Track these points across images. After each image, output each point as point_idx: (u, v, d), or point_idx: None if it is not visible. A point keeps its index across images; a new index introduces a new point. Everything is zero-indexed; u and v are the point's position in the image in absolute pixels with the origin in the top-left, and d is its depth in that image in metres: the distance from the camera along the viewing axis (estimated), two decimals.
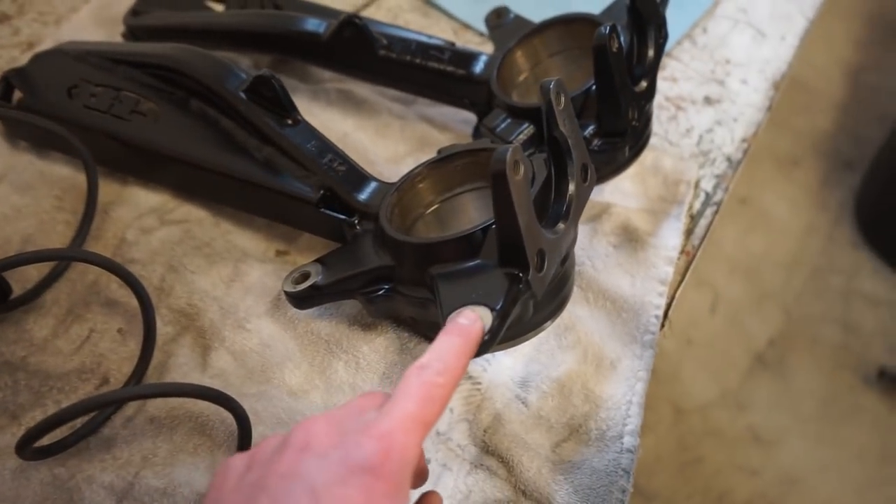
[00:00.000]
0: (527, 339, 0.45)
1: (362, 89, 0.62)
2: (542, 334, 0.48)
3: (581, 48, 0.55)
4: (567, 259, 0.44)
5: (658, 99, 0.66)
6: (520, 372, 0.47)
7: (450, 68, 0.55)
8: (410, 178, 0.47)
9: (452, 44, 0.58)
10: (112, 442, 0.42)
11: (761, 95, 0.68)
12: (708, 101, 0.67)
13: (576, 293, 0.51)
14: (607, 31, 0.44)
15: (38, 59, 0.55)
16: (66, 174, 0.54)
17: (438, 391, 0.31)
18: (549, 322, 0.45)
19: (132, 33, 0.61)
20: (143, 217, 0.51)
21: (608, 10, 0.56)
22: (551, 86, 0.39)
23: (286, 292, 0.44)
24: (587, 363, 0.48)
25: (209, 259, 0.50)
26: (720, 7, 0.77)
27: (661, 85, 0.67)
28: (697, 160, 0.61)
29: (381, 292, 0.44)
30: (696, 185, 0.60)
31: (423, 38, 0.57)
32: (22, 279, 0.48)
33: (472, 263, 0.40)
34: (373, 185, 0.48)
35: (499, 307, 0.37)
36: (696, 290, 1.58)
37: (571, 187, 0.42)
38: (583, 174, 0.43)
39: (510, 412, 0.45)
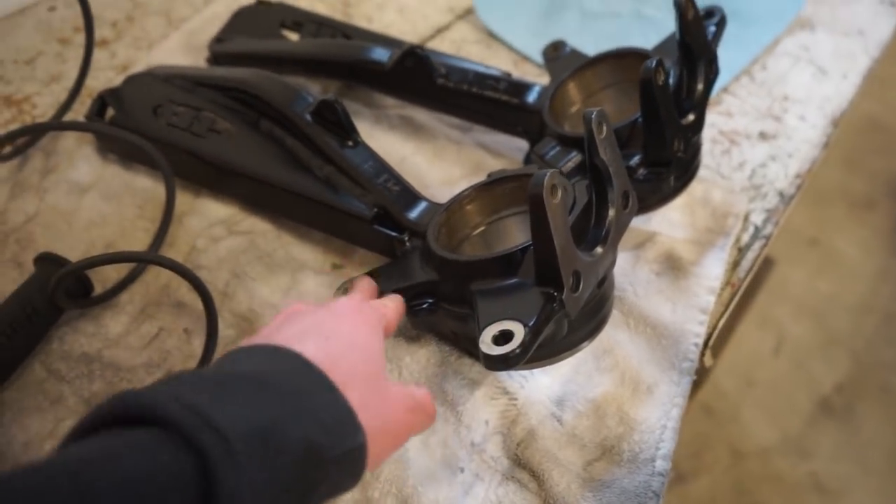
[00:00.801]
0: (564, 359, 0.46)
1: (422, 115, 0.65)
2: (580, 356, 0.50)
3: (632, 81, 0.56)
4: (605, 282, 0.45)
5: (712, 133, 0.67)
6: (557, 391, 0.49)
7: (504, 97, 0.57)
8: (459, 200, 0.50)
9: (509, 74, 0.61)
10: None
11: (819, 132, 0.68)
12: (763, 136, 0.67)
13: (616, 318, 0.52)
14: (653, 65, 0.46)
15: (129, 80, 0.61)
16: (148, 185, 0.59)
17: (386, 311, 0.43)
18: (586, 342, 0.46)
19: (215, 59, 0.67)
20: (213, 227, 0.56)
21: (661, 46, 0.58)
22: (593, 115, 0.42)
23: (339, 287, 0.47)
24: (624, 386, 0.49)
25: (270, 268, 0.53)
26: (781, 44, 0.77)
27: (717, 119, 0.68)
28: (748, 194, 0.62)
29: (424, 306, 0.46)
30: (746, 218, 0.60)
31: (481, 69, 0.60)
32: (103, 279, 0.53)
33: (510, 282, 0.42)
34: (423, 204, 0.50)
35: (531, 323, 0.39)
36: (759, 331, 1.55)
37: (611, 213, 0.44)
38: (623, 201, 0.45)
39: (544, 429, 0.47)
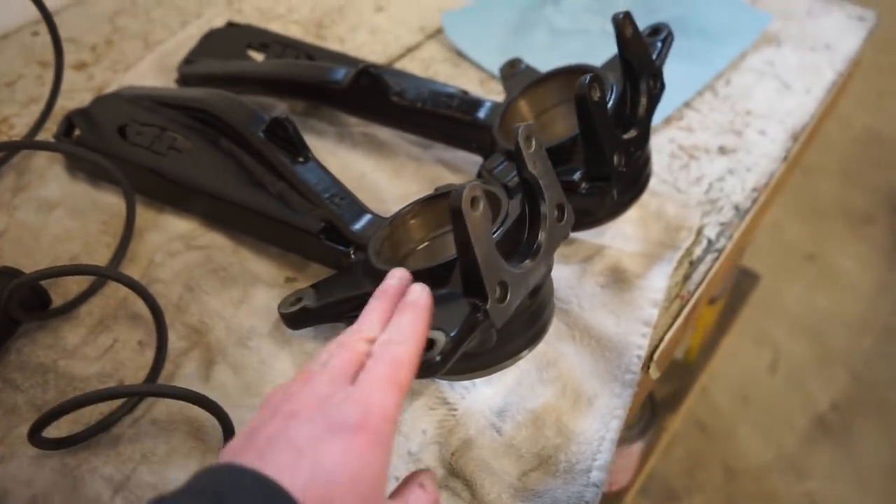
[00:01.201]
0: (503, 369, 0.47)
1: (385, 133, 0.67)
2: (523, 366, 0.51)
3: None
4: (539, 292, 0.46)
5: (671, 148, 0.68)
6: (499, 402, 0.49)
7: (457, 114, 0.59)
8: (402, 215, 0.51)
9: (465, 92, 0.62)
10: (118, 440, 0.47)
11: (779, 146, 0.69)
12: (722, 150, 0.68)
13: (562, 330, 0.53)
14: (587, 82, 0.47)
15: (97, 101, 0.63)
16: (113, 202, 0.61)
17: (405, 357, 0.36)
18: (524, 352, 0.47)
19: (184, 80, 0.69)
20: (172, 242, 0.57)
21: (611, 62, 0.59)
22: (521, 130, 0.43)
23: (280, 313, 0.49)
24: (565, 398, 0.50)
25: (223, 282, 0.55)
26: (747, 60, 0.78)
27: (676, 134, 0.69)
28: (704, 207, 0.63)
29: None
30: (699, 231, 0.61)
31: (436, 87, 0.61)
32: (63, 293, 0.55)
33: (441, 293, 0.43)
34: (369, 218, 0.52)
35: (453, 333, 0.39)
36: (755, 347, 1.54)
37: (544, 225, 0.45)
38: (558, 213, 0.46)
39: (483, 439, 0.47)
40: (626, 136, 0.52)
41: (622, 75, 0.53)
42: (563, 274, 0.55)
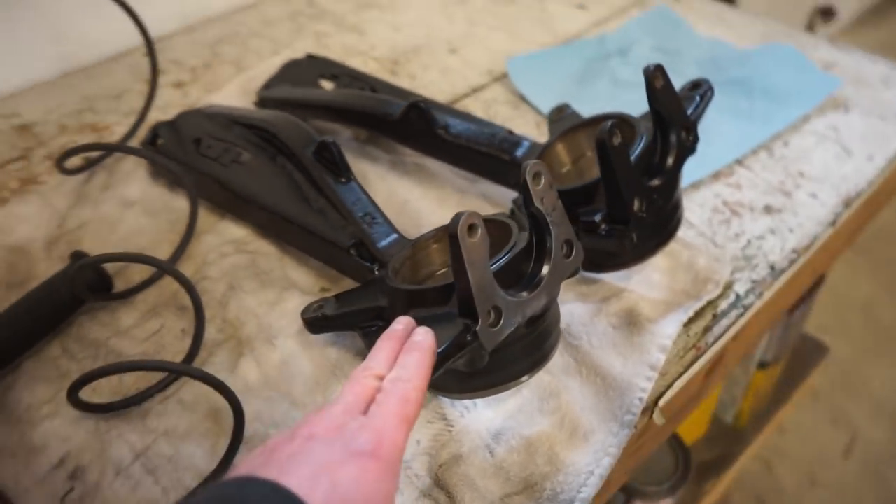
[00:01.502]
0: (502, 391, 0.49)
1: (436, 165, 0.71)
2: (527, 395, 0.53)
3: None
4: (541, 322, 0.48)
5: (715, 202, 0.68)
6: (497, 425, 0.51)
7: (497, 152, 0.62)
8: (426, 239, 0.54)
9: (510, 132, 0.65)
10: (147, 413, 0.52)
11: (828, 210, 0.68)
12: (768, 209, 0.68)
13: (570, 365, 0.54)
14: (608, 128, 0.50)
15: (181, 115, 0.70)
16: (183, 206, 0.68)
17: (412, 395, 0.39)
18: (524, 377, 0.49)
19: (261, 102, 0.76)
20: (225, 245, 0.63)
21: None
22: (528, 168, 0.45)
23: (302, 317, 0.53)
24: (562, 430, 0.51)
25: (262, 284, 0.60)
26: (810, 122, 0.78)
27: (723, 190, 0.70)
28: (738, 263, 0.63)
29: (374, 328, 0.50)
30: (727, 286, 0.61)
31: (482, 124, 0.65)
32: (127, 281, 0.61)
33: (442, 311, 0.46)
34: (395, 238, 0.55)
35: (440, 349, 0.42)
36: (830, 427, 1.46)
37: (547, 259, 0.47)
38: (566, 250, 0.48)
39: (474, 457, 0.49)
40: (650, 184, 0.54)
41: (653, 125, 0.55)
42: (578, 311, 0.57)
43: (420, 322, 0.46)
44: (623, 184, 0.51)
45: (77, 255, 0.58)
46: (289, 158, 0.62)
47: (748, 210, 0.68)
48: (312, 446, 0.35)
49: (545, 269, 0.47)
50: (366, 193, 0.59)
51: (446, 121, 0.64)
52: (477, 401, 0.52)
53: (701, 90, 0.59)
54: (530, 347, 0.49)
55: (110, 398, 0.53)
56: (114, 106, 0.82)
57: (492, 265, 0.46)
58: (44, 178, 0.71)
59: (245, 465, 0.36)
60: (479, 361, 0.46)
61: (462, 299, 0.43)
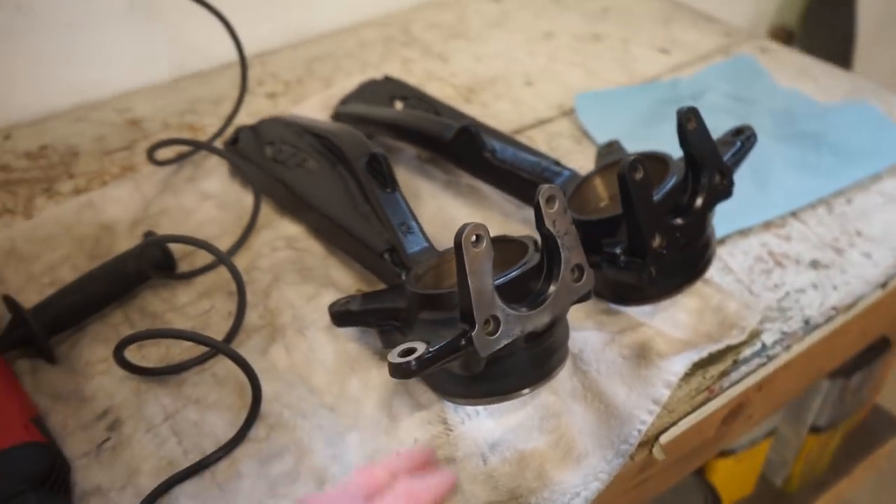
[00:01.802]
0: (502, 401, 0.52)
1: (487, 189, 0.74)
2: (530, 412, 0.55)
3: (653, 184, 0.61)
4: (544, 339, 0.50)
5: (760, 252, 0.68)
6: (496, 436, 0.53)
7: (537, 179, 0.65)
8: (450, 251, 0.57)
9: (557, 162, 0.68)
10: (184, 382, 0.58)
11: (879, 272, 0.66)
12: (814, 264, 0.66)
13: (577, 389, 0.56)
14: (629, 163, 0.51)
15: (261, 122, 0.77)
16: (251, 202, 0.74)
17: None
18: (525, 390, 0.51)
19: (336, 116, 0.82)
20: (277, 240, 0.69)
21: None
22: (543, 190, 0.48)
23: (329, 310, 0.57)
24: (557, 449, 0.52)
25: (304, 279, 0.65)
26: (881, 183, 0.75)
27: (770, 240, 0.69)
28: (770, 314, 0.62)
29: (389, 327, 0.54)
30: (755, 334, 0.60)
31: (528, 152, 0.67)
32: (191, 263, 0.68)
33: (447, 315, 0.49)
34: (425, 246, 0.59)
35: (434, 346, 0.45)
36: None
37: (555, 280, 0.49)
38: (577, 274, 0.50)
39: (466, 462, 0.51)
40: (673, 222, 0.55)
41: (686, 165, 0.56)
42: (592, 338, 0.58)
43: (426, 324, 0.49)
44: (642, 218, 0.53)
45: (148, 235, 0.65)
46: (345, 167, 0.67)
47: (793, 263, 0.67)
48: None
49: (552, 289, 0.49)
50: (407, 205, 0.63)
51: (494, 145, 0.67)
52: (480, 410, 0.55)
53: (743, 136, 0.59)
54: (534, 363, 0.51)
55: (156, 364, 0.59)
56: (212, 109, 0.90)
57: (500, 278, 0.48)
58: (140, 167, 0.80)
59: None
60: (476, 366, 0.48)
61: (462, 305, 0.46)
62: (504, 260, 0.52)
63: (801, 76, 0.94)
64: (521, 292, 0.49)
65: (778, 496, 0.95)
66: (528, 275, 0.50)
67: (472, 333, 0.45)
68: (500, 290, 0.47)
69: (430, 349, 0.45)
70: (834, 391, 0.84)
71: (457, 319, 0.47)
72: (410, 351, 0.45)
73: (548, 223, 0.48)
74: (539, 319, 0.49)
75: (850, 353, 0.71)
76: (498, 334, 0.46)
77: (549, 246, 0.49)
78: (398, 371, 0.45)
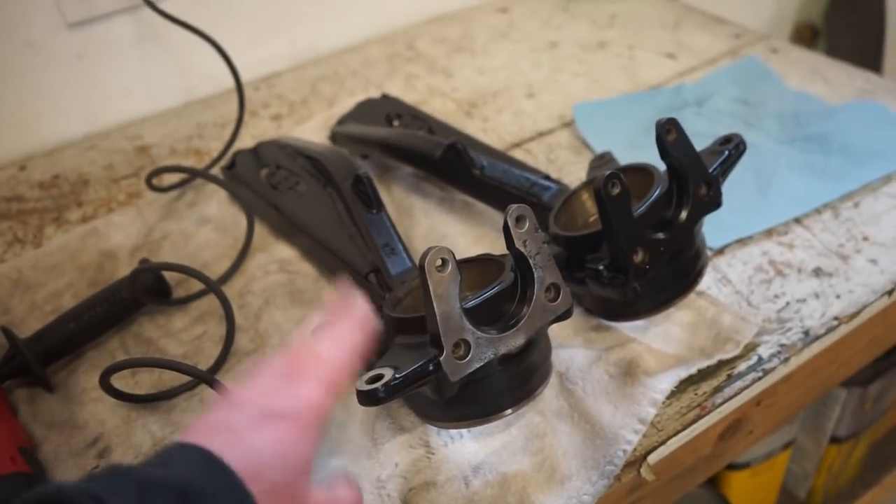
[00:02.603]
0: (484, 423, 0.51)
1: (482, 206, 0.73)
2: (515, 434, 0.54)
3: (639, 197, 0.59)
4: (522, 360, 0.49)
5: (761, 261, 0.66)
6: (479, 458, 0.53)
7: (525, 195, 0.64)
8: None
9: (547, 176, 0.67)
10: (173, 408, 0.58)
11: (886, 279, 0.63)
12: (817, 272, 0.64)
13: (564, 409, 0.55)
14: (605, 177, 0.50)
15: (259, 145, 0.78)
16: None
17: (337, 359, 0.43)
18: (507, 411, 0.50)
19: (332, 138, 0.82)
20: (271, 263, 0.69)
21: None
22: (511, 210, 0.47)
23: (312, 332, 0.57)
24: (541, 472, 0.51)
25: (294, 302, 0.65)
26: (890, 185, 0.73)
27: (772, 248, 0.67)
28: (769, 326, 0.60)
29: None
30: (751, 348, 0.58)
31: (517, 167, 0.67)
32: (187, 289, 0.69)
33: (422, 340, 0.48)
34: (408, 267, 0.59)
35: (402, 372, 0.45)
36: None
37: (528, 301, 0.48)
38: (553, 293, 0.49)
39: (448, 486, 0.51)
40: (655, 236, 0.54)
41: (669, 177, 0.55)
42: (579, 356, 0.57)
43: (401, 348, 0.49)
44: (622, 234, 0.52)
45: (143, 262, 0.66)
46: (334, 189, 0.67)
47: (795, 271, 0.64)
48: (231, 413, 0.39)
49: (525, 310, 0.48)
50: (392, 226, 0.62)
51: (482, 162, 0.66)
52: (464, 433, 0.54)
53: (731, 145, 0.57)
54: (513, 383, 0.50)
55: (149, 390, 0.60)
56: (218, 133, 0.92)
57: (472, 300, 0.48)
58: (146, 194, 0.82)
59: (183, 435, 0.39)
60: (449, 390, 0.47)
61: (430, 329, 0.45)
62: (483, 280, 0.51)
63: (812, 76, 0.91)
64: (495, 313, 0.49)
65: None
66: (504, 295, 0.49)
67: (441, 358, 0.45)
68: (472, 312, 0.46)
69: (398, 375, 0.45)
70: (852, 400, 0.81)
71: (426, 343, 0.47)
72: (378, 377, 0.45)
73: (518, 243, 0.47)
74: (512, 341, 0.48)
75: (860, 362, 0.68)
76: (468, 358, 0.46)
77: (522, 266, 0.48)
78: (366, 398, 0.45)
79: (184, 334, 0.65)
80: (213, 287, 0.61)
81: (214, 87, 1.01)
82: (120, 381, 0.60)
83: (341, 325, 0.45)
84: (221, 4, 0.96)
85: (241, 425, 0.39)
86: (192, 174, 0.77)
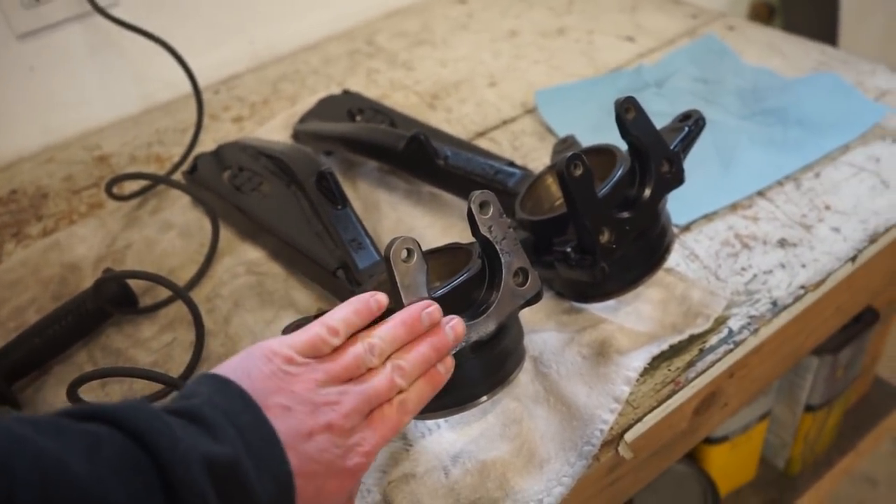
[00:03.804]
0: (462, 411, 0.51)
1: (449, 196, 0.73)
2: (491, 420, 0.54)
3: (601, 179, 0.59)
4: (494, 345, 0.49)
5: (727, 235, 0.66)
6: (458, 448, 0.52)
7: (490, 182, 0.64)
8: None
9: (511, 163, 0.67)
10: None
11: (848, 246, 0.64)
12: (782, 243, 0.65)
13: (539, 393, 0.55)
14: (567, 159, 0.50)
15: (220, 147, 0.77)
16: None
17: (415, 409, 0.43)
18: (483, 397, 0.50)
19: (295, 136, 0.81)
20: (238, 266, 0.68)
21: None
22: (474, 196, 0.47)
23: (282, 332, 0.56)
24: (519, 457, 0.51)
25: (263, 304, 0.64)
26: (849, 154, 0.74)
27: (737, 222, 0.68)
28: (739, 298, 0.60)
29: None
30: (721, 321, 0.59)
31: (481, 156, 0.67)
32: (154, 296, 0.68)
33: None
34: (375, 260, 0.58)
35: None
36: None
37: (496, 286, 0.48)
38: (521, 278, 0.49)
39: (427, 477, 0.51)
40: (620, 215, 0.54)
41: (630, 156, 0.55)
42: (552, 340, 0.57)
43: None
44: (586, 215, 0.52)
45: (107, 272, 0.65)
46: (298, 187, 0.66)
47: (761, 244, 0.65)
48: (314, 443, 0.38)
49: (494, 296, 0.48)
50: (358, 220, 0.62)
51: (446, 152, 0.66)
52: (441, 423, 0.54)
53: (690, 121, 0.58)
54: (486, 370, 0.50)
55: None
56: (178, 139, 0.90)
57: (440, 290, 0.48)
58: (107, 204, 0.80)
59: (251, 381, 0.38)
60: None
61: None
62: (452, 269, 0.51)
63: (769, 52, 0.92)
64: (465, 301, 0.49)
65: (782, 478, 0.93)
66: (472, 283, 0.49)
67: None
68: (441, 301, 0.46)
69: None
70: (824, 368, 0.82)
71: None
72: None
73: (483, 230, 0.47)
74: (483, 328, 0.48)
75: (829, 330, 0.70)
76: None
77: (489, 252, 0.48)
78: None
79: (153, 342, 0.64)
80: (181, 293, 0.60)
81: (173, 93, 1.00)
82: (90, 394, 0.59)
83: (431, 377, 0.44)
84: (176, 8, 0.95)
85: (315, 453, 0.38)
86: (154, 180, 0.76)
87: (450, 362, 0.45)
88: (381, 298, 0.45)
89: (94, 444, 0.32)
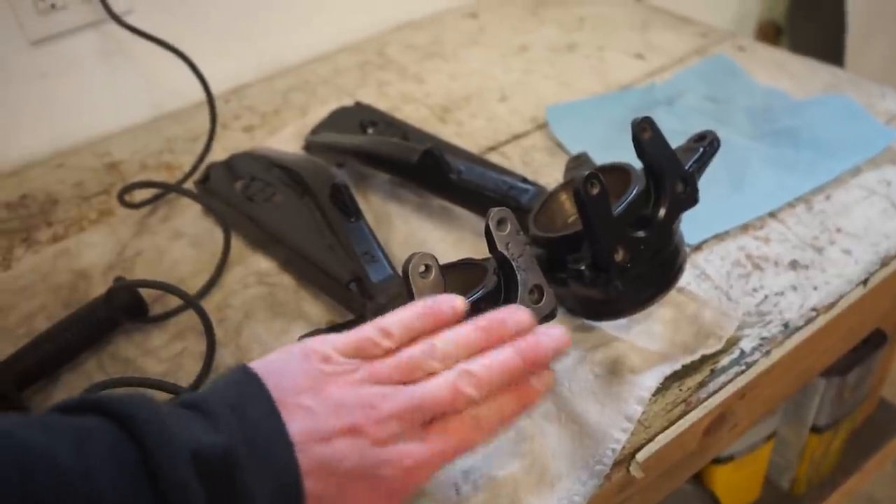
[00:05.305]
0: None
1: (460, 210, 0.73)
2: (504, 437, 0.53)
3: (617, 196, 0.59)
4: None
5: (738, 256, 0.66)
6: (469, 464, 0.52)
7: (503, 198, 0.64)
8: None
9: (525, 179, 0.67)
10: None
11: (860, 269, 0.64)
12: (793, 265, 0.65)
13: (551, 410, 0.55)
14: (584, 178, 0.50)
15: (232, 157, 0.77)
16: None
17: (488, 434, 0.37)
18: None
19: (307, 147, 0.82)
20: (249, 276, 0.68)
21: None
22: (492, 213, 0.47)
23: (299, 338, 0.57)
24: (531, 474, 0.51)
25: (275, 315, 0.64)
26: (860, 176, 0.74)
27: (749, 243, 0.68)
28: (750, 319, 0.60)
29: None
30: (733, 342, 0.59)
31: (495, 171, 0.67)
32: (165, 305, 0.68)
33: None
34: (389, 274, 0.58)
35: None
36: None
37: (513, 302, 0.48)
38: (536, 295, 0.49)
39: (438, 493, 0.50)
40: (635, 234, 0.54)
41: (645, 176, 0.55)
42: (563, 357, 0.57)
43: None
44: (602, 233, 0.52)
45: (118, 280, 0.65)
46: (311, 198, 0.67)
47: (772, 265, 0.65)
48: (346, 443, 0.34)
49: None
50: (371, 233, 0.62)
51: (459, 166, 0.66)
52: None
53: (705, 142, 0.58)
54: None
55: None
56: (189, 147, 0.90)
57: None
58: (117, 211, 0.80)
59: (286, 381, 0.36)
60: None
61: None
62: (467, 285, 0.51)
63: (778, 72, 0.93)
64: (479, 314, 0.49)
65: (786, 498, 0.93)
66: (487, 299, 0.49)
67: None
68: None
69: None
70: (831, 390, 0.82)
71: None
72: None
73: (500, 246, 0.47)
74: None
75: (839, 352, 0.70)
76: None
77: (505, 269, 0.48)
78: None
79: (163, 352, 0.63)
80: (192, 302, 0.60)
81: (183, 101, 1.00)
82: None
83: (511, 393, 0.39)
84: (187, 17, 0.95)
85: (348, 462, 0.35)
86: (166, 189, 0.76)
87: (549, 377, 0.38)
88: (459, 304, 0.39)
89: (83, 437, 0.32)
